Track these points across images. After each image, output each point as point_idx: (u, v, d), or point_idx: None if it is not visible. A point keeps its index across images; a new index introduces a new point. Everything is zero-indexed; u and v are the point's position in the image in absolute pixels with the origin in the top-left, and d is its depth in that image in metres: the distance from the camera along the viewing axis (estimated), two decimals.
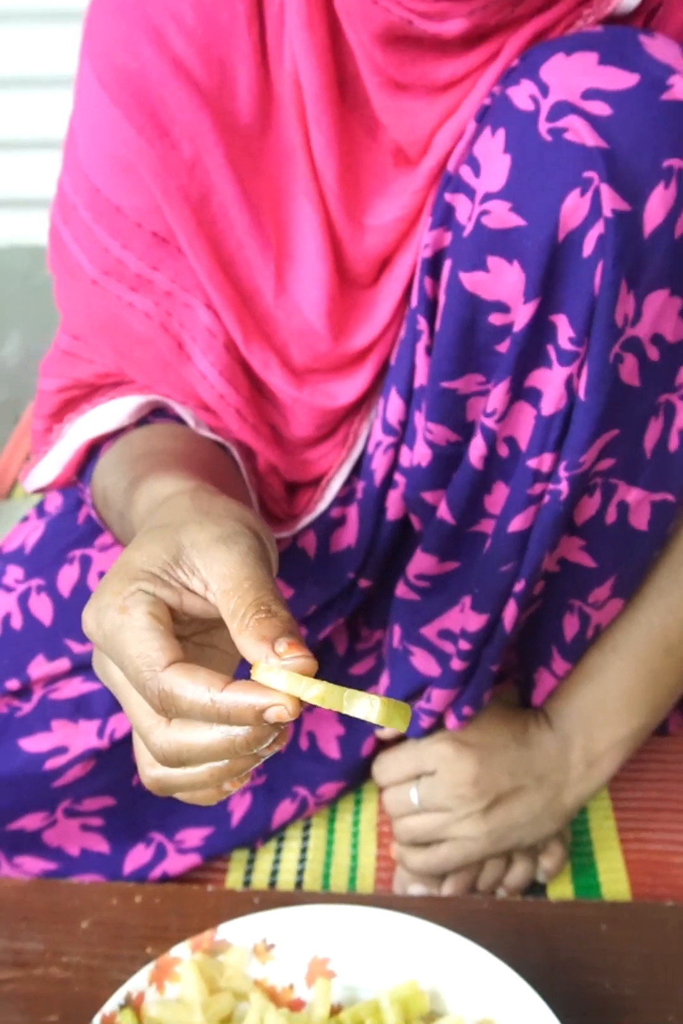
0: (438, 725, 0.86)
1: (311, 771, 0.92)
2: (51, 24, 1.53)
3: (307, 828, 0.95)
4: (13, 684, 0.84)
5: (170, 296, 0.76)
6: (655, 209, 0.63)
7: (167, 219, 0.73)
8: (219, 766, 0.48)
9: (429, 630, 0.83)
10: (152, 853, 0.89)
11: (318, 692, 0.45)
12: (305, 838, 0.95)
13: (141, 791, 0.85)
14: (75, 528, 0.89)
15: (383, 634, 0.92)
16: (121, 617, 0.48)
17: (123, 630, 0.48)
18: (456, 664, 0.80)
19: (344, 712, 0.46)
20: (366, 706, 0.46)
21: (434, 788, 0.85)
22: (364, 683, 0.93)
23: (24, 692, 0.85)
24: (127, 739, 0.84)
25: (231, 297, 0.75)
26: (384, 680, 0.88)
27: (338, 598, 0.87)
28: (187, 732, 0.47)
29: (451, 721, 0.84)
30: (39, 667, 0.84)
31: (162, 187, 0.72)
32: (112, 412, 0.80)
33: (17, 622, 0.86)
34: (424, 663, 0.84)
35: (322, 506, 0.84)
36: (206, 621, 0.52)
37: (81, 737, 0.84)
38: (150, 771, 0.51)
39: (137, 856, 0.89)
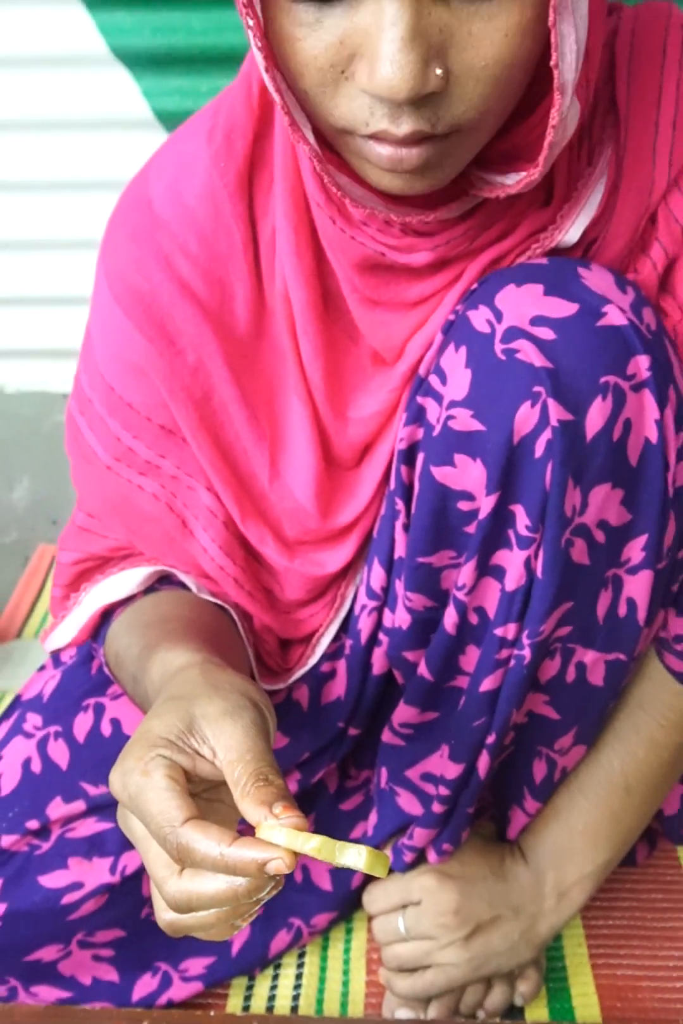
0: (420, 859, 0.93)
1: (305, 903, 0.97)
2: (58, 192, 1.64)
3: (302, 956, 1.00)
4: (33, 824, 0.89)
5: (175, 480, 0.84)
6: (595, 418, 0.71)
7: (173, 414, 0.82)
8: (224, 911, 0.56)
9: (413, 772, 0.90)
10: (158, 981, 0.94)
11: (315, 845, 0.53)
12: (300, 965, 1.00)
13: (149, 923, 0.92)
14: (89, 678, 0.96)
15: (371, 773, 0.98)
16: (143, 780, 0.56)
17: (145, 791, 0.56)
18: (436, 807, 0.87)
19: (336, 863, 0.54)
20: (354, 855, 0.54)
21: (419, 917, 0.92)
22: (353, 818, 0.99)
23: (43, 831, 0.90)
24: (137, 875, 0.90)
25: (230, 481, 0.84)
26: (373, 817, 0.95)
27: (330, 745, 0.94)
28: (196, 882, 0.55)
29: (432, 856, 0.91)
30: (57, 808, 0.90)
31: (169, 388, 0.81)
32: (123, 581, 0.88)
33: (37, 766, 0.92)
34: (408, 803, 0.91)
35: (313, 660, 0.93)
36: (214, 781, 0.60)
37: (95, 873, 0.89)
38: (165, 915, 0.59)
39: (144, 984, 0.94)
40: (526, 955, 0.92)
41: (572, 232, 0.77)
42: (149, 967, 0.95)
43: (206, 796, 0.62)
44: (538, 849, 0.92)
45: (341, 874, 0.98)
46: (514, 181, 0.70)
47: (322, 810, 0.98)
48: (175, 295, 0.80)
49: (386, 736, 0.91)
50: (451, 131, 0.63)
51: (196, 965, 0.96)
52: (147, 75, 1.56)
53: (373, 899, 0.96)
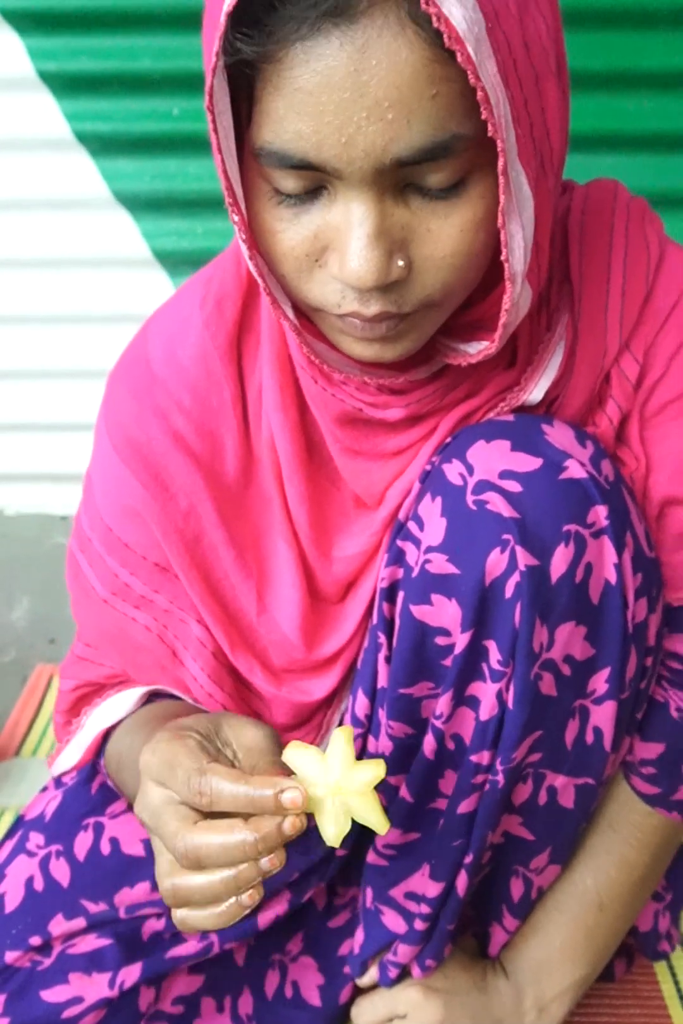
0: (404, 974, 0.97)
1: (295, 1018, 0.99)
2: (61, 325, 1.73)
3: None
4: (36, 941, 0.92)
5: (168, 613, 0.90)
6: (558, 562, 0.78)
7: (166, 554, 0.88)
8: (229, 875, 0.62)
9: (397, 892, 0.94)
10: None
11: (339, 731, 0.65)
12: None
13: None
14: (89, 798, 1.00)
15: (357, 891, 1.02)
16: (177, 743, 0.66)
17: (177, 746, 0.66)
18: (419, 924, 0.91)
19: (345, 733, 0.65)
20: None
21: None
22: (341, 935, 1.03)
23: (45, 948, 0.93)
24: (134, 989, 0.93)
25: (219, 616, 0.89)
26: (359, 935, 0.98)
27: (318, 866, 0.98)
28: (208, 835, 0.62)
29: (416, 971, 0.95)
30: (58, 925, 0.93)
31: (163, 530, 0.87)
32: (120, 702, 0.94)
33: (39, 884, 0.95)
34: (393, 922, 0.95)
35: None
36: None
37: (94, 988, 0.92)
38: (167, 880, 0.65)
39: None
40: None
41: (536, 393, 0.84)
42: None
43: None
44: (518, 964, 0.96)
45: (329, 991, 1.01)
46: (475, 351, 0.78)
47: (311, 927, 1.02)
48: (169, 447, 0.87)
49: (371, 857, 0.95)
50: (416, 309, 0.71)
51: None
52: (146, 217, 1.66)
53: (361, 1012, 1.00)
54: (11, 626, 1.68)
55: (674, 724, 0.92)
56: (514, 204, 0.66)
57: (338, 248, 0.68)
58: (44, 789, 1.06)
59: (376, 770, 0.63)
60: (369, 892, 0.97)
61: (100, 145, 1.63)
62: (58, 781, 1.05)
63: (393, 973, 0.96)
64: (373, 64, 0.60)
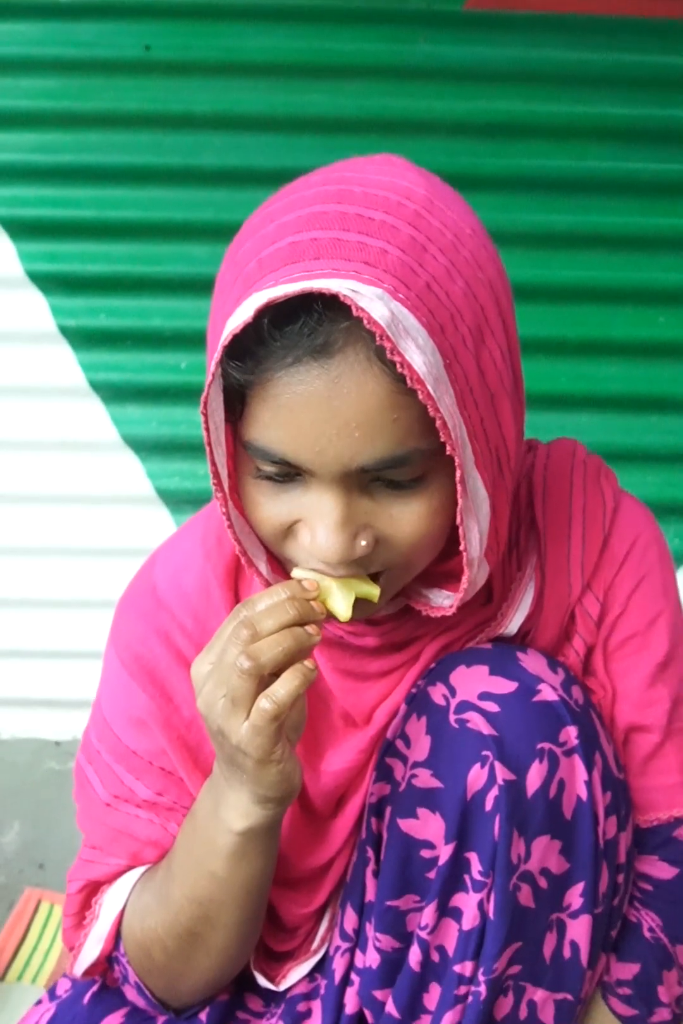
0: None
1: None
2: (66, 558, 1.82)
3: None
4: None
5: (171, 810, 0.96)
6: (533, 778, 0.84)
7: (171, 759, 0.95)
8: (288, 619, 0.76)
9: None
10: None
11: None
12: None
13: None
14: (81, 1012, 1.01)
15: None
16: None
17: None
18: None
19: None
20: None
21: None
22: None
23: None
24: None
25: None
26: None
27: None
28: (255, 607, 0.78)
29: None
30: None
31: (167, 737, 0.95)
32: (132, 879, 0.97)
33: None
34: None
35: (285, 984, 0.99)
36: None
37: None
38: (242, 662, 0.75)
39: None
40: None
41: (511, 626, 0.94)
42: None
43: None
44: None
45: None
46: (435, 603, 0.88)
47: None
48: (172, 663, 0.96)
49: None
50: (382, 570, 0.81)
51: None
52: (152, 459, 1.78)
53: None
54: (0, 850, 1.69)
55: (647, 945, 0.97)
56: (471, 504, 0.78)
57: (310, 526, 0.78)
58: (39, 1002, 1.07)
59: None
60: None
61: (112, 393, 1.77)
62: (52, 993, 1.06)
63: None
64: (344, 392, 0.72)
